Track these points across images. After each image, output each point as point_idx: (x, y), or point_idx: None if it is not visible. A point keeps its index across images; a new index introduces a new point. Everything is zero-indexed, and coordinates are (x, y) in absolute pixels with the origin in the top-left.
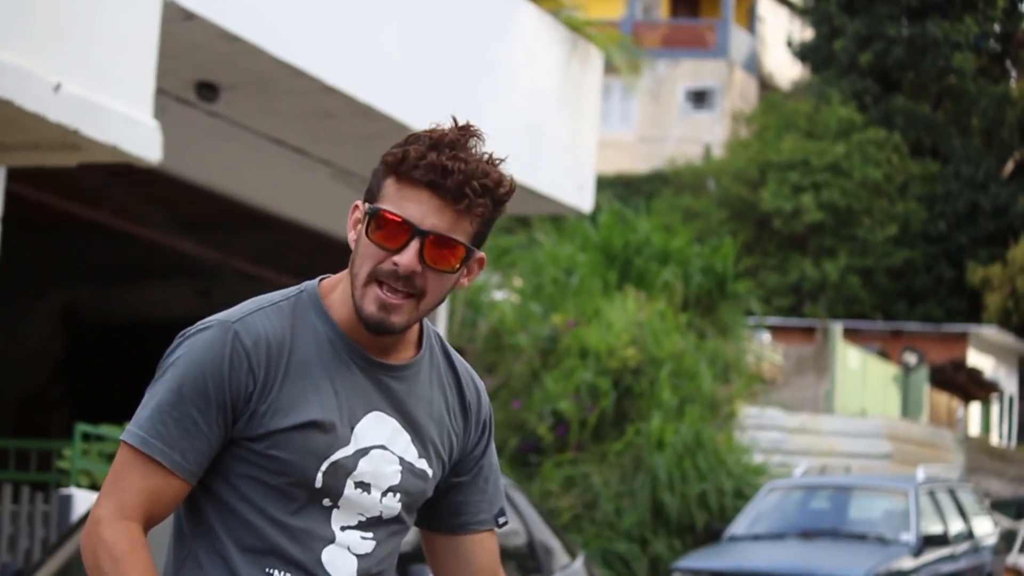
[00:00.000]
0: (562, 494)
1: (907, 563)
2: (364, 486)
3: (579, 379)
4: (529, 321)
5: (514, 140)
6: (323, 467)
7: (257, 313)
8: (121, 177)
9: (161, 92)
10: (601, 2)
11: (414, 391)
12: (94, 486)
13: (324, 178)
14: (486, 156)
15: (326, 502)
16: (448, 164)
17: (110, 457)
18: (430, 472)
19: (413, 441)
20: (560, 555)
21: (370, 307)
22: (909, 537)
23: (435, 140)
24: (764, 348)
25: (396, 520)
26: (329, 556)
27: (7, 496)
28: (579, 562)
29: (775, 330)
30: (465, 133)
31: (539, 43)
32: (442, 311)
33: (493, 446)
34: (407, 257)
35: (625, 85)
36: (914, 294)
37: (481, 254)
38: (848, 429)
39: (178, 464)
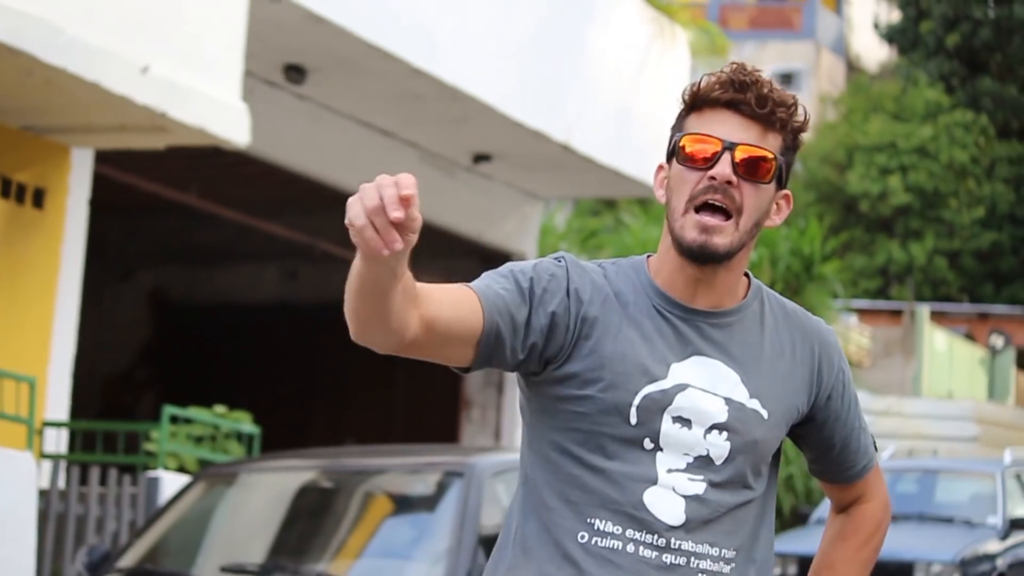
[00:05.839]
0: None
1: (994, 546)
2: (684, 421)
3: None
4: None
5: (600, 122)
6: (636, 401)
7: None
8: (209, 159)
9: (249, 74)
10: None
11: (739, 336)
12: (181, 468)
13: (411, 160)
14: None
15: (647, 443)
16: (744, 79)
17: (198, 439)
18: (765, 414)
19: (744, 382)
20: None
21: (691, 233)
22: (996, 520)
23: (723, 70)
24: (851, 330)
25: (731, 470)
26: (652, 497)
27: (94, 478)
28: None
29: (862, 312)
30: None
31: (625, 24)
32: None
33: (855, 400)
34: (721, 167)
35: (707, 68)
36: (1001, 276)
37: (787, 191)
38: (935, 412)
39: None
